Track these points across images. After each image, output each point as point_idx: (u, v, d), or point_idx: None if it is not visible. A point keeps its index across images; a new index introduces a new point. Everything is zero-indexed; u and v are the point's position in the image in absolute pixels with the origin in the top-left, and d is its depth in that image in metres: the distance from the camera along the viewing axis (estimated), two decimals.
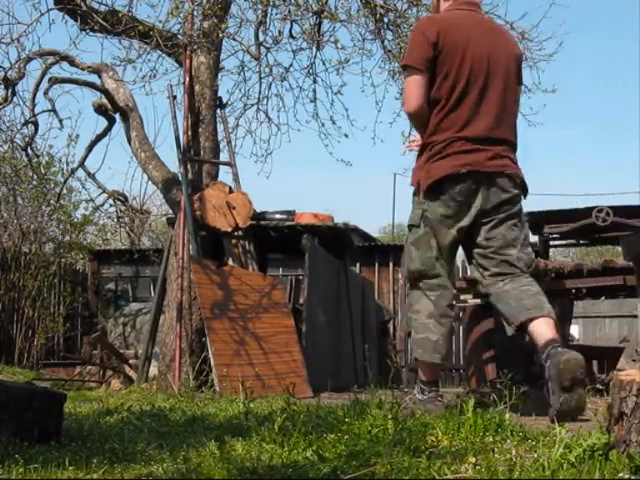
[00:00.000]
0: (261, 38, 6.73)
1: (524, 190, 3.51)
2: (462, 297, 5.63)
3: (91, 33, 6.05)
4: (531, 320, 3.26)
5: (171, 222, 6.49)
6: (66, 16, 6.12)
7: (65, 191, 10.79)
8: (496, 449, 2.18)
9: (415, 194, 3.49)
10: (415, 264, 3.47)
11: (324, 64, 7.21)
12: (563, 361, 3.01)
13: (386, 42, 6.99)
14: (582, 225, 7.04)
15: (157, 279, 6.70)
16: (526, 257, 3.46)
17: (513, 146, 3.52)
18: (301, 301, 7.16)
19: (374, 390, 4.24)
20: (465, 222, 3.39)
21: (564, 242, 8.34)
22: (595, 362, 7.38)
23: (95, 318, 11.36)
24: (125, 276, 12.14)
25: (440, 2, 3.60)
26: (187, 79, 6.11)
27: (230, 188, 6.18)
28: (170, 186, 6.24)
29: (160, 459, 2.17)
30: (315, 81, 7.33)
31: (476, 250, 3.49)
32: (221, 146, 6.43)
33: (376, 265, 11.59)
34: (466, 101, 3.38)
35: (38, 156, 9.72)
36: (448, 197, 3.36)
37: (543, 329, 3.23)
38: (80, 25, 6.04)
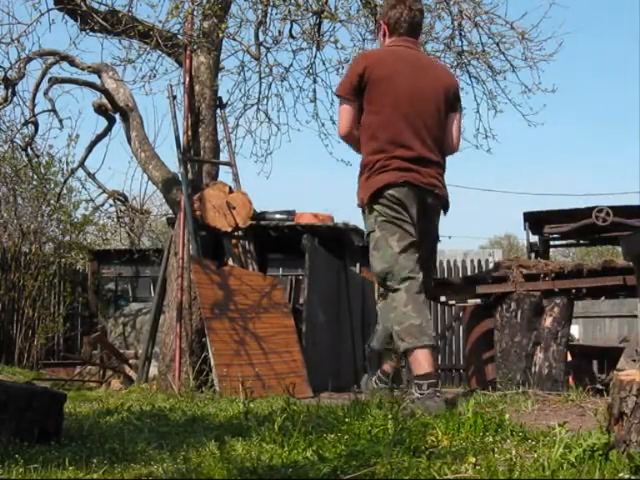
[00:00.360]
0: (261, 38, 6.73)
1: (445, 209, 3.95)
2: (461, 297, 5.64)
3: (91, 33, 6.05)
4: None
5: (171, 222, 6.48)
6: (66, 16, 6.11)
7: (65, 191, 10.77)
8: (496, 449, 2.18)
9: (363, 211, 3.81)
10: (380, 265, 3.71)
11: (324, 64, 7.23)
12: None
13: None
14: (582, 225, 7.05)
15: (157, 279, 6.69)
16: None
17: (442, 167, 3.89)
18: (301, 301, 7.14)
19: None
20: (410, 222, 3.71)
21: (564, 242, 8.35)
22: (595, 362, 7.37)
23: (95, 318, 11.34)
24: (125, 276, 12.11)
25: (385, 39, 4.00)
26: (187, 79, 6.11)
27: (230, 188, 6.17)
28: (170, 186, 6.24)
29: (160, 459, 2.17)
30: (315, 81, 7.34)
31: None
32: (221, 146, 6.42)
33: None
34: (394, 126, 3.74)
35: (38, 156, 9.72)
36: (388, 202, 3.69)
37: None
38: (80, 25, 6.04)
